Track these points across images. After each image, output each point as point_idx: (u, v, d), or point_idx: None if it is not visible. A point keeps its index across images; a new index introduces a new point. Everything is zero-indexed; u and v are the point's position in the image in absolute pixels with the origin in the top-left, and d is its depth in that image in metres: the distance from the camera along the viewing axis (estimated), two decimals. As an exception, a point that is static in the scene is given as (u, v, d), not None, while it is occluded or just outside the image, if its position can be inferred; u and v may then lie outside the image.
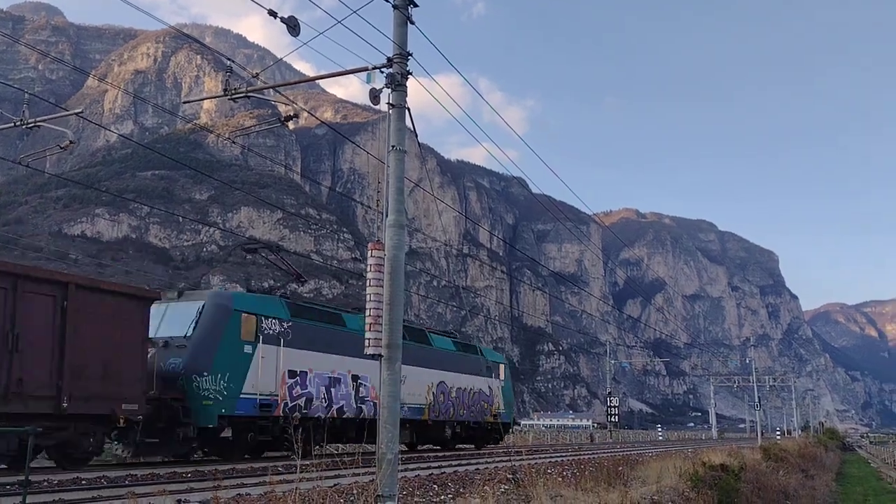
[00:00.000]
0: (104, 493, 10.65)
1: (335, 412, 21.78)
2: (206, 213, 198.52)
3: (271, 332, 19.69)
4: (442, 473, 16.07)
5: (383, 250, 9.68)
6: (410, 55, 10.19)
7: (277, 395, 19.63)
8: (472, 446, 30.76)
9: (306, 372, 20.87)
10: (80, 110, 17.94)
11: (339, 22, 10.17)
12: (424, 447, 28.60)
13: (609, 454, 26.91)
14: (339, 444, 23.70)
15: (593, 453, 28.76)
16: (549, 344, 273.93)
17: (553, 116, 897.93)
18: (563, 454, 27.41)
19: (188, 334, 18.11)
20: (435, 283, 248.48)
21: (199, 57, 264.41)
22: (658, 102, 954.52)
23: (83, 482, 12.24)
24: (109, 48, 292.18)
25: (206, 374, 17.80)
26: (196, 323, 18.28)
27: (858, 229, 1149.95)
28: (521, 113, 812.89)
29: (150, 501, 7.67)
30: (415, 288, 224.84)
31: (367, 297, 9.64)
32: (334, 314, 23.47)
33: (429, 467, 18.03)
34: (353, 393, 22.76)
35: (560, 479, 14.29)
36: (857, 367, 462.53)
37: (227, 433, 19.11)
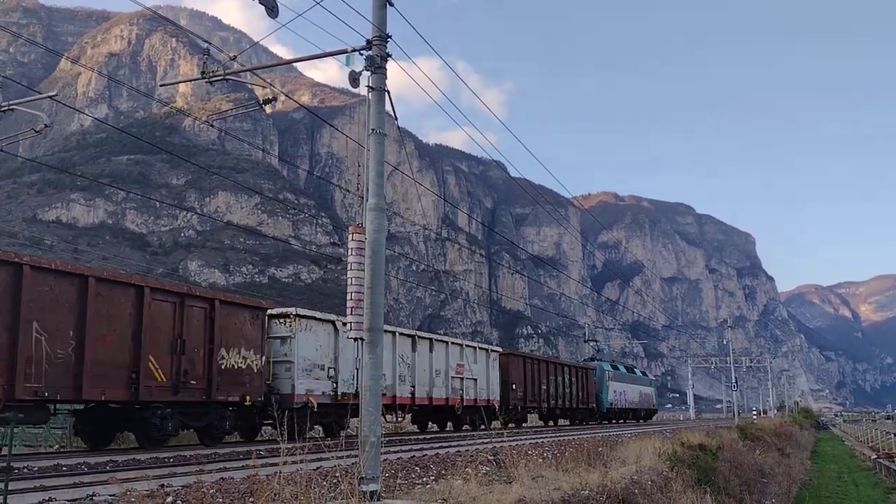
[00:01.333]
0: (85, 479, 10.59)
1: (622, 405, 53.33)
2: (184, 198, 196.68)
3: (610, 375, 50.38)
4: (423, 456, 16.16)
5: (364, 234, 9.67)
6: (390, 37, 10.12)
7: (612, 400, 50.20)
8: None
9: (616, 391, 51.61)
10: (54, 93, 17.65)
11: (318, 3, 10.08)
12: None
13: (589, 435, 27.18)
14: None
15: (574, 434, 29.04)
16: (528, 327, 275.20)
17: (530, 100, 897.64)
18: (544, 435, 27.64)
19: (596, 378, 47.45)
20: (414, 267, 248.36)
21: (174, 40, 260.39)
22: (633, 83, 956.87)
23: (64, 468, 12.17)
24: (82, 30, 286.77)
25: (602, 393, 48.35)
26: (597, 374, 48.00)
27: (833, 212, 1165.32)
28: (499, 96, 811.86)
29: (133, 486, 7.66)
30: (394, 272, 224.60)
31: (349, 280, 9.63)
32: (616, 364, 56.18)
33: (410, 450, 18.10)
34: (625, 398, 54.04)
35: (541, 460, 14.43)
36: (831, 347, 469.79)
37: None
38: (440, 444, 20.71)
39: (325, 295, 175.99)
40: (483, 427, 29.43)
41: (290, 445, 7.94)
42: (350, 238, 9.68)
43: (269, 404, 18.68)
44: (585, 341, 67.79)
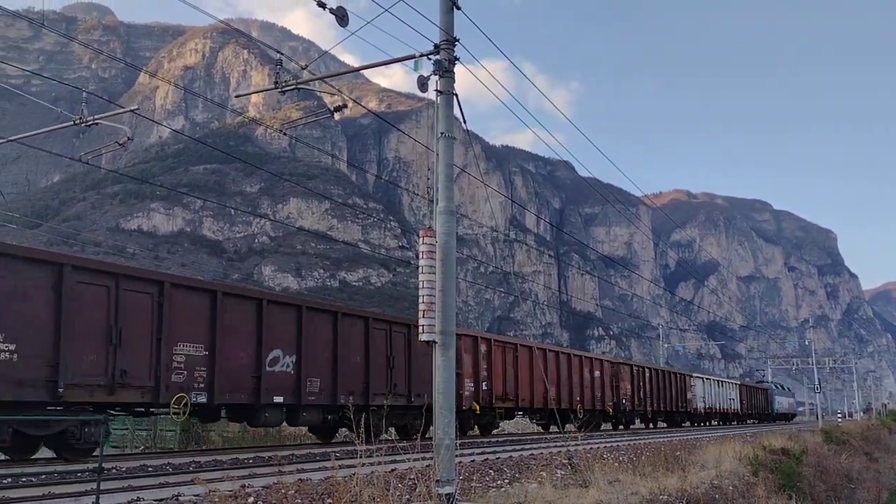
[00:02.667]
0: (171, 480, 10.97)
1: (781, 411, 76.27)
2: (257, 205, 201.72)
3: (775, 392, 75.55)
4: (497, 459, 16.11)
5: (435, 237, 9.71)
6: (457, 41, 10.16)
7: (777, 407, 74.30)
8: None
9: (779, 402, 75.49)
10: (135, 107, 18.37)
11: (387, 10, 10.20)
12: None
13: (666, 439, 26.64)
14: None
15: (650, 438, 28.52)
16: (600, 328, 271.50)
17: (599, 98, 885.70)
18: (619, 439, 27.23)
19: (769, 394, 73.20)
20: (482, 269, 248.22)
21: (245, 51, 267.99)
22: (704, 80, 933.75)
23: (150, 469, 12.63)
24: (159, 45, 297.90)
25: (773, 403, 73.16)
26: (770, 392, 73.83)
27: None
28: (566, 96, 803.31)
29: (217, 486, 7.89)
30: (462, 274, 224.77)
31: (420, 284, 9.68)
32: (776, 384, 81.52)
33: (483, 452, 18.07)
34: (783, 406, 77.65)
35: (617, 463, 14.21)
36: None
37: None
38: (513, 447, 20.62)
39: (395, 298, 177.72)
40: (732, 423, 57.05)
41: (368, 447, 8.04)
42: (420, 241, 9.74)
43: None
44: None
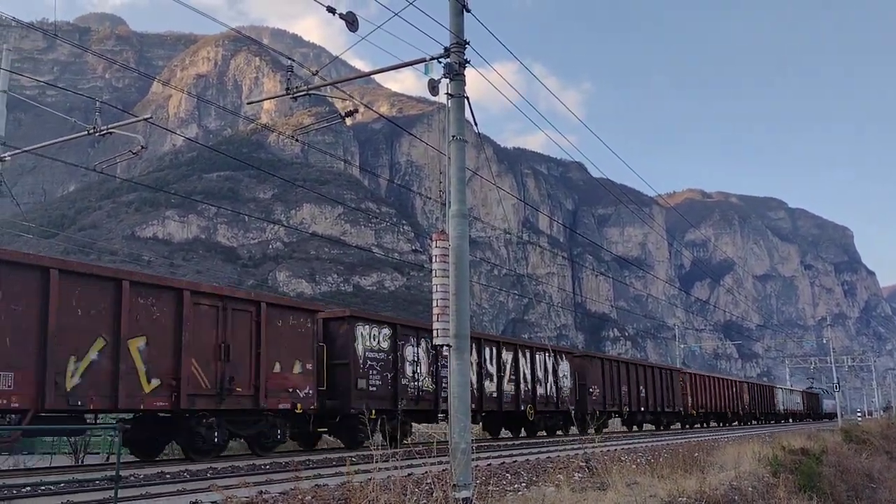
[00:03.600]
0: (188, 486, 10.99)
1: (827, 411, 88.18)
2: (271, 212, 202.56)
3: (823, 395, 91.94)
4: (514, 462, 16.05)
5: (448, 240, 9.68)
6: (467, 44, 10.14)
7: (824, 408, 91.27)
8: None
9: (826, 403, 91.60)
10: (148, 116, 18.49)
11: (397, 14, 10.20)
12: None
13: (683, 440, 26.47)
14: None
15: (667, 439, 28.35)
16: (615, 330, 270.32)
17: (610, 99, 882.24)
18: (637, 441, 27.08)
19: (819, 398, 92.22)
20: (496, 271, 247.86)
21: (257, 59, 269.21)
22: (715, 78, 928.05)
23: (167, 476, 12.67)
24: (171, 54, 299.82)
25: (821, 405, 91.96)
26: (820, 395, 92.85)
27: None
28: (577, 97, 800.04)
29: (234, 493, 7.89)
30: (476, 277, 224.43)
31: (434, 287, 9.66)
32: (822, 389, 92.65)
33: (500, 456, 18.01)
34: (828, 406, 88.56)
35: (635, 466, 14.12)
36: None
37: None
38: (530, 450, 20.55)
39: (409, 302, 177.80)
40: (798, 421, 69.51)
41: (383, 452, 8.02)
42: (434, 245, 9.72)
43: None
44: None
